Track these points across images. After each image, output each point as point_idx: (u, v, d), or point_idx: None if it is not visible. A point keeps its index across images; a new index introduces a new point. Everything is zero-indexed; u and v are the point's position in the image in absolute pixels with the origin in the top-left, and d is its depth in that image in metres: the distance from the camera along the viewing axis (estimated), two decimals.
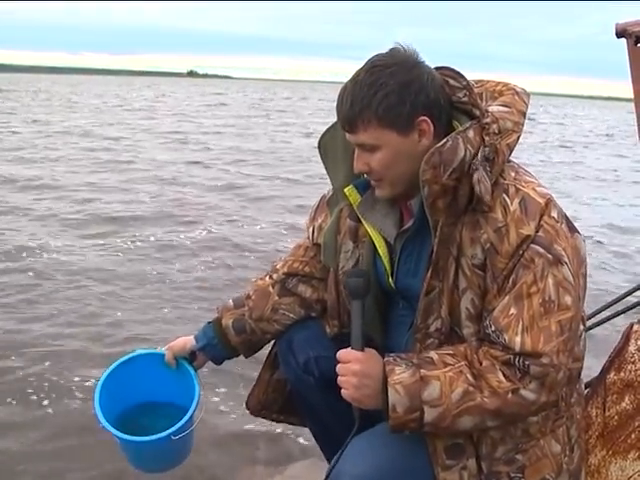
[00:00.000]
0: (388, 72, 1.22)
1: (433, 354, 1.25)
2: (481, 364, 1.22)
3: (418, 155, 1.23)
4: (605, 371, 1.65)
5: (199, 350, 1.67)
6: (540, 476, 1.30)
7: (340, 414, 1.56)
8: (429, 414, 1.20)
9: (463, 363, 1.22)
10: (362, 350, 1.30)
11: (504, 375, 1.20)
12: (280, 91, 71.48)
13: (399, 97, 1.21)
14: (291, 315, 1.63)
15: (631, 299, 2.01)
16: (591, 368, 1.87)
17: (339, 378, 1.29)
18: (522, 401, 1.20)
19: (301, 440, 2.49)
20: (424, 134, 1.25)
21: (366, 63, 1.26)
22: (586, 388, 1.65)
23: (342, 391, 1.28)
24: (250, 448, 2.59)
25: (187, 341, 1.68)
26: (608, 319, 1.95)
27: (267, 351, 1.73)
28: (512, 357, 1.19)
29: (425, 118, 1.24)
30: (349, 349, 1.31)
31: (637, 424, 1.55)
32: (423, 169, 1.19)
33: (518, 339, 1.18)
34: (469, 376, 1.21)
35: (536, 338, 1.18)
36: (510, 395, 1.19)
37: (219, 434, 2.66)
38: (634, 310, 1.90)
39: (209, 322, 1.68)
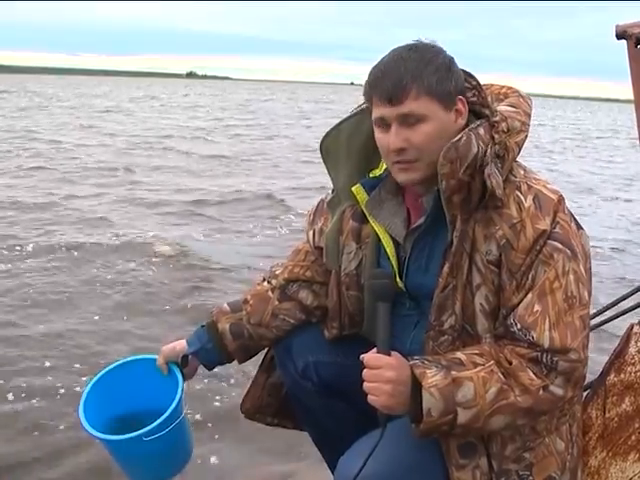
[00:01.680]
0: (432, 51, 1.25)
1: (460, 355, 1.24)
2: (510, 363, 1.21)
3: (453, 135, 1.23)
4: (605, 373, 1.65)
5: (191, 354, 1.60)
6: (546, 474, 1.31)
7: (339, 418, 1.56)
8: (463, 416, 1.18)
9: (492, 362, 1.22)
10: (390, 354, 1.25)
11: (533, 372, 1.20)
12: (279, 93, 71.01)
13: (447, 73, 1.24)
14: (291, 320, 1.58)
15: (630, 301, 2.01)
16: (591, 369, 1.87)
17: (367, 384, 1.22)
18: (552, 397, 1.21)
19: (302, 440, 2.47)
20: (460, 114, 1.27)
21: (399, 47, 1.27)
22: (586, 389, 1.65)
23: (371, 398, 1.22)
24: (252, 447, 2.58)
25: (177, 344, 1.61)
26: (608, 320, 1.96)
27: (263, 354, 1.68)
28: (539, 354, 1.20)
29: (462, 98, 1.26)
30: (375, 353, 1.25)
31: (637, 426, 1.55)
32: (441, 163, 1.20)
33: (547, 335, 1.19)
34: (500, 375, 1.20)
35: (563, 334, 1.19)
36: (541, 392, 1.20)
37: (221, 432, 2.66)
38: (634, 312, 1.90)
39: (202, 325, 1.63)
